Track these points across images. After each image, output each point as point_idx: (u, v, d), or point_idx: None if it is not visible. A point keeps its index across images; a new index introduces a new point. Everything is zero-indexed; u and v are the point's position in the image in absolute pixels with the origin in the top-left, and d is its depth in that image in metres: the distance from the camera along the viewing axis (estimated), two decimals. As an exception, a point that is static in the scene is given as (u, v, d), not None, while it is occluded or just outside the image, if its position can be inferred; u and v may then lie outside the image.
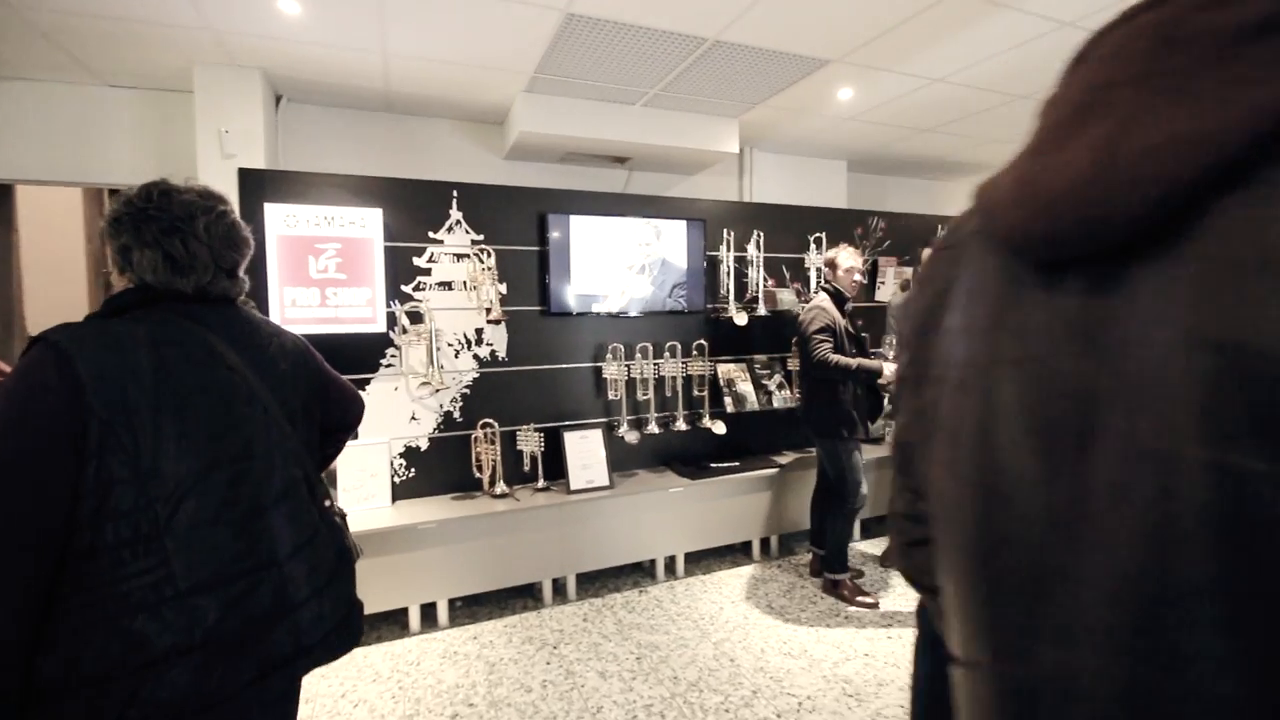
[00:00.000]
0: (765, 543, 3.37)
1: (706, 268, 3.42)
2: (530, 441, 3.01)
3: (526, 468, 3.03)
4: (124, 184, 3.05)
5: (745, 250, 3.52)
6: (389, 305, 2.87)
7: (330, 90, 3.03)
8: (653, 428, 3.25)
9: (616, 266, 3.22)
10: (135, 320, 1.02)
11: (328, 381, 1.31)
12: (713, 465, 3.37)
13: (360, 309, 2.73)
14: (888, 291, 3.95)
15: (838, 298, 2.77)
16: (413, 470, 2.94)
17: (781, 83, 2.98)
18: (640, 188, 3.92)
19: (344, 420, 1.40)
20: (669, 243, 3.32)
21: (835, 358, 2.57)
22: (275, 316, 2.62)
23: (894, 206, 4.73)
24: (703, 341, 3.35)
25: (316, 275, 2.66)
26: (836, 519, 2.76)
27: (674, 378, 3.30)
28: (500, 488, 2.94)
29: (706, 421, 3.36)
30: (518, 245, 3.10)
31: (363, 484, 2.80)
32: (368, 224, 2.73)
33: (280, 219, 2.61)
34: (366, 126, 3.31)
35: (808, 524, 3.30)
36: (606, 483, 3.04)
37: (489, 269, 2.94)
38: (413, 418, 2.94)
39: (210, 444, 1.00)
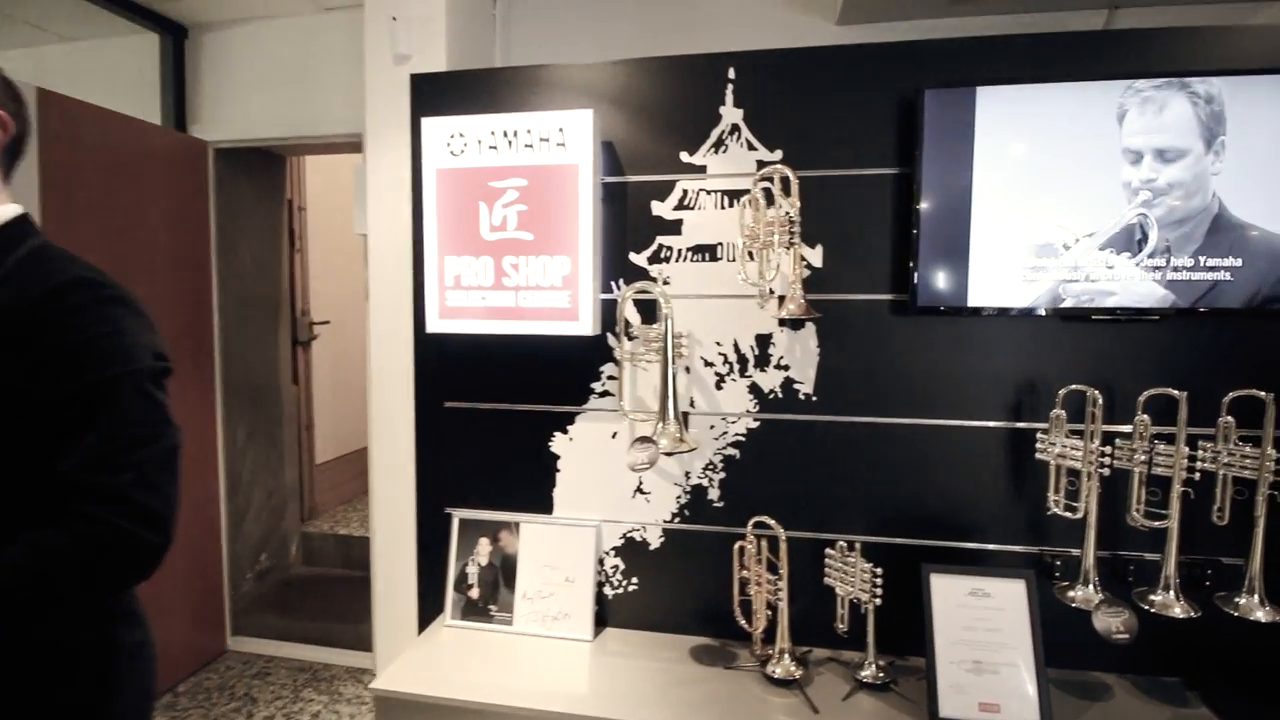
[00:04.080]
0: None
1: (1369, 198, 1.30)
2: (851, 575, 1.43)
3: (842, 624, 1.47)
4: (337, 136, 2.39)
5: None
6: (607, 288, 1.62)
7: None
8: (1166, 599, 1.32)
9: (1098, 190, 1.37)
10: None
11: None
12: (1349, 719, 1.27)
13: (553, 294, 1.54)
14: None
15: None
16: (634, 580, 1.66)
17: None
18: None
19: None
20: (1243, 138, 1.32)
21: None
22: (433, 305, 1.60)
23: None
24: (1350, 394, 1.26)
25: (491, 234, 1.56)
26: None
27: (1227, 475, 1.30)
28: (783, 663, 1.44)
29: (1345, 608, 1.27)
30: (848, 169, 1.52)
31: (553, 592, 1.63)
32: (570, 139, 1.50)
33: (441, 143, 1.57)
34: (615, 9, 2.11)
35: None
36: (1034, 718, 1.27)
37: (787, 216, 1.44)
38: (639, 489, 1.65)
39: None
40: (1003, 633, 1.33)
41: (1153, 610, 1.32)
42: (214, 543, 2.55)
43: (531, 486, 1.68)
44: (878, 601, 1.40)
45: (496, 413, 1.69)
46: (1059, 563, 1.45)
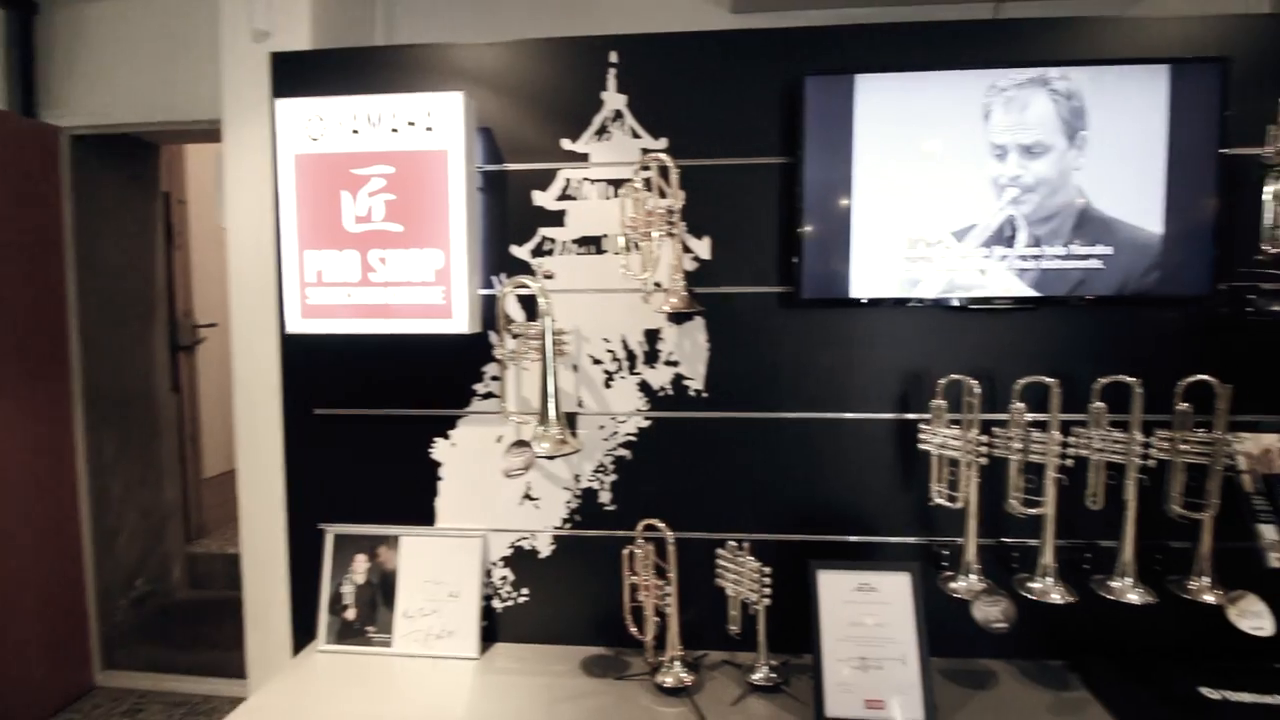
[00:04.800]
0: None
1: (1219, 188, 1.34)
2: (743, 576, 1.39)
3: (734, 625, 1.42)
4: (207, 121, 2.01)
5: (1345, 138, 1.32)
6: (488, 283, 1.53)
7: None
8: (1045, 585, 1.33)
9: (970, 184, 1.37)
10: None
11: None
12: (1207, 695, 1.32)
13: (425, 290, 1.43)
14: None
15: None
16: (524, 591, 1.57)
17: None
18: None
19: None
20: (1106, 129, 1.34)
21: None
22: (293, 303, 1.47)
23: None
24: (1207, 379, 1.29)
25: (356, 226, 1.44)
26: None
27: (1105, 462, 1.32)
28: (673, 671, 1.38)
29: (1204, 590, 1.30)
30: (735, 158, 1.48)
31: (436, 609, 1.52)
32: (439, 123, 1.40)
33: (299, 126, 1.44)
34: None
35: None
36: (918, 715, 1.25)
37: (672, 208, 1.38)
38: (528, 496, 1.56)
39: None
40: (889, 627, 1.32)
41: (1032, 597, 1.33)
42: (75, 568, 2.31)
43: (411, 497, 1.57)
44: (767, 601, 1.36)
45: (371, 418, 1.57)
46: (946, 552, 1.45)
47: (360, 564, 1.56)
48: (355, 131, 1.42)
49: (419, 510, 1.57)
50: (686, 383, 1.51)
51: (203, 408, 3.05)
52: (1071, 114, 1.33)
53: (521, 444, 1.38)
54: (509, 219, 1.52)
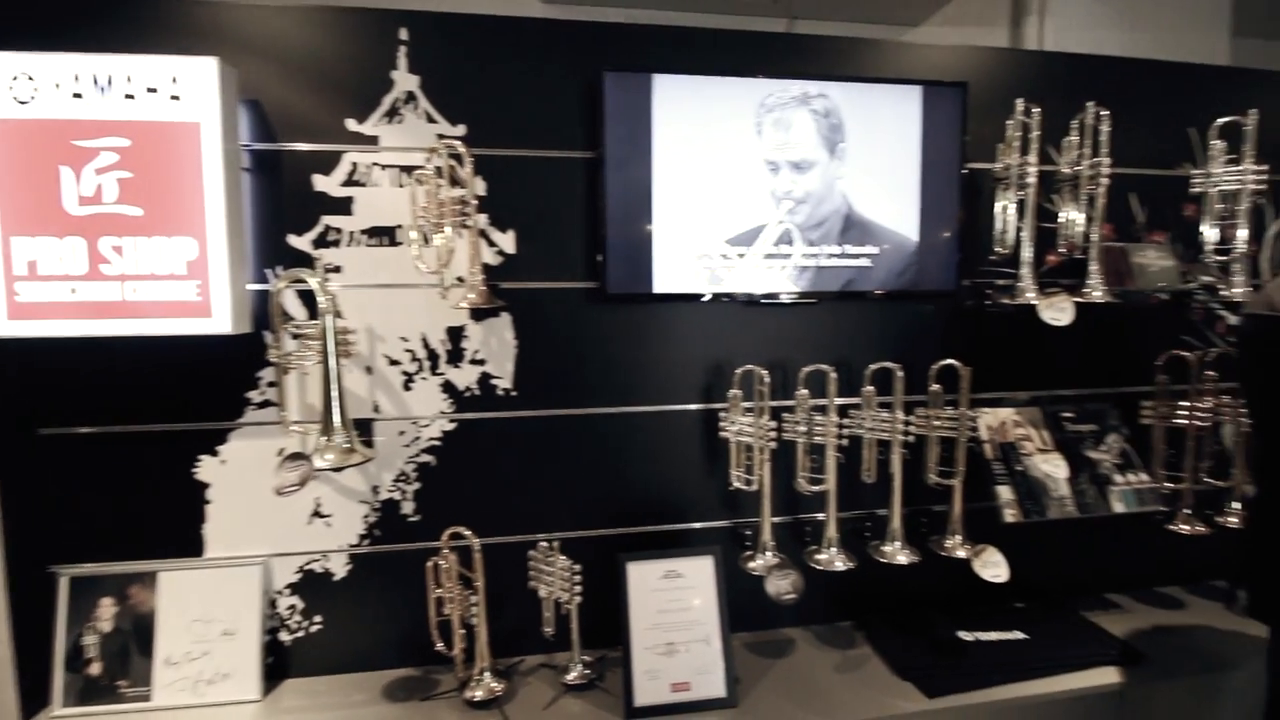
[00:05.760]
0: (1100, 842, 1.44)
1: (963, 196, 1.54)
2: (554, 576, 1.36)
3: (549, 629, 1.39)
4: None
5: (1058, 156, 1.58)
6: (262, 277, 1.36)
7: None
8: (830, 555, 1.45)
9: (753, 190, 1.45)
10: None
11: None
12: (963, 638, 1.51)
13: (175, 285, 1.23)
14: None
15: None
16: (318, 619, 1.42)
17: None
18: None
19: None
20: (868, 141, 1.49)
21: None
22: (-2, 300, 1.20)
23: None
24: (953, 364, 1.48)
25: (80, 208, 1.20)
26: None
27: (875, 440, 1.47)
28: (483, 683, 1.32)
29: (957, 547, 1.49)
30: (538, 149, 1.44)
31: (207, 650, 1.32)
32: (187, 91, 1.21)
33: (2, 85, 1.17)
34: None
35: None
36: (721, 692, 1.30)
37: (466, 199, 1.31)
38: (318, 513, 1.41)
39: None
40: (693, 610, 1.36)
41: (819, 567, 1.44)
42: None
43: (172, 525, 1.36)
44: (579, 599, 1.35)
45: (117, 437, 1.33)
46: (749, 533, 1.53)
47: (106, 609, 1.32)
48: (78, 95, 1.19)
49: (182, 540, 1.36)
50: (494, 382, 1.45)
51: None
52: (831, 129, 1.45)
53: (297, 456, 1.24)
54: (286, 205, 1.36)
